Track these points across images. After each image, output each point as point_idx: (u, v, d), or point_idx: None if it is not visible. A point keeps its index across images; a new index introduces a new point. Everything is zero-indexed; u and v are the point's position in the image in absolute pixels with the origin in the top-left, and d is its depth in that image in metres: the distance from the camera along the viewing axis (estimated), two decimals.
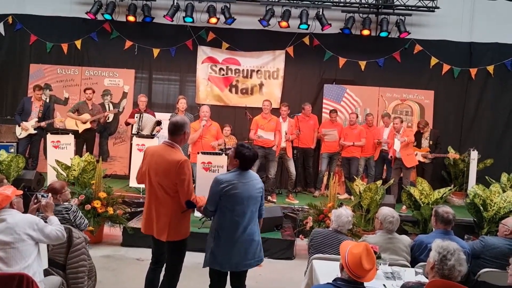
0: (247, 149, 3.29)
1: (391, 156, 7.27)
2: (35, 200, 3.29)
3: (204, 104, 7.50)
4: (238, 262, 3.26)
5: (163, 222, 3.28)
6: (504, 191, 5.98)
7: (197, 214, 5.80)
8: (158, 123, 7.20)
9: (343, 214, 3.77)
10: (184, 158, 3.25)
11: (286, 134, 7.18)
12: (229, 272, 3.37)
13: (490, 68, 8.53)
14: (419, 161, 7.50)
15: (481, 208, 5.78)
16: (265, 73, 8.82)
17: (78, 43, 8.72)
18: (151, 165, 3.32)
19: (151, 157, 3.34)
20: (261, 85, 8.82)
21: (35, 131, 7.28)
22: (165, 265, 3.49)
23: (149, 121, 7.18)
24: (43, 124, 7.28)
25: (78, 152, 7.23)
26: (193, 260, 4.43)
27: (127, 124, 7.66)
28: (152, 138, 6.85)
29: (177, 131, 3.32)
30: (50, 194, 3.35)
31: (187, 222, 3.41)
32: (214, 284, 3.37)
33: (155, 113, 7.58)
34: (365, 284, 2.56)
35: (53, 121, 7.47)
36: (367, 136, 7.73)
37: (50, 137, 6.81)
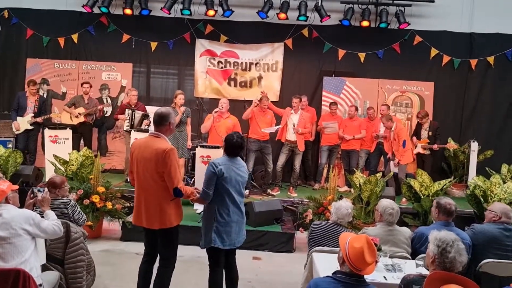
0: (235, 136, 3.54)
1: (389, 157, 7.28)
2: (31, 195, 3.26)
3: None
4: (235, 239, 3.53)
5: (153, 211, 3.34)
6: (504, 182, 5.95)
7: (196, 207, 5.78)
8: (145, 116, 7.15)
9: (343, 207, 3.75)
10: (170, 146, 3.32)
11: (294, 126, 7.11)
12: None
13: (491, 59, 8.47)
14: (418, 152, 7.48)
15: (482, 199, 5.75)
16: (264, 66, 8.75)
17: (75, 37, 8.64)
18: (138, 156, 3.38)
19: (138, 149, 3.41)
20: (260, 78, 8.76)
21: (32, 127, 7.24)
22: (159, 256, 3.51)
23: (138, 116, 7.14)
24: (39, 119, 7.23)
25: (75, 146, 7.18)
26: (192, 254, 4.41)
27: (116, 119, 7.62)
28: (147, 132, 6.81)
29: (162, 122, 3.41)
30: (46, 189, 3.32)
31: (178, 209, 3.46)
32: (215, 261, 3.52)
33: (151, 107, 7.52)
34: (366, 276, 2.53)
35: (49, 116, 7.41)
36: (368, 129, 7.70)
37: (47, 132, 6.79)
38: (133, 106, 7.27)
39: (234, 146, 3.49)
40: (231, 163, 3.49)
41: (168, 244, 3.45)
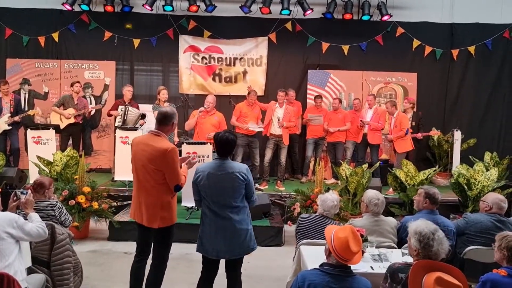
0: (222, 133, 3.32)
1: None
2: (15, 198, 3.20)
3: (210, 94, 7.50)
4: (225, 251, 3.24)
5: (153, 210, 3.31)
6: (487, 170, 6.05)
7: (184, 204, 5.77)
8: (143, 116, 7.09)
9: (329, 199, 3.77)
10: (172, 146, 3.28)
11: (279, 120, 7.14)
12: (225, 260, 3.36)
13: (471, 49, 8.59)
14: None
15: (466, 187, 5.85)
16: (248, 61, 8.74)
17: (55, 36, 8.50)
18: (137, 154, 3.34)
19: (137, 146, 3.37)
20: (244, 72, 8.74)
21: (10, 127, 7.13)
22: (152, 254, 3.48)
23: (134, 114, 7.08)
24: (16, 118, 7.12)
25: (63, 147, 7.13)
26: (181, 251, 4.40)
27: (109, 115, 7.55)
28: (136, 130, 6.76)
29: (165, 121, 3.36)
30: (29, 191, 3.26)
31: (175, 207, 3.45)
32: (204, 270, 3.39)
33: (139, 105, 7.47)
34: (353, 267, 2.56)
35: (27, 114, 7.30)
36: (354, 120, 7.75)
37: (30, 133, 6.68)
38: (126, 102, 7.21)
39: (221, 143, 3.25)
40: (215, 169, 3.22)
41: (165, 242, 3.43)
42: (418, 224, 2.58)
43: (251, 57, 8.73)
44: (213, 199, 3.22)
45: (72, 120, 7.31)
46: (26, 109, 7.85)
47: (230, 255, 3.27)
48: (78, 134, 7.61)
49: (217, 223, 3.22)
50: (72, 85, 7.48)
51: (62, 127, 7.26)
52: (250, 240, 3.31)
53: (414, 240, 2.53)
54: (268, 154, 7.27)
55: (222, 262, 3.39)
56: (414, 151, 7.66)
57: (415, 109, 8.00)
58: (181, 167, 3.41)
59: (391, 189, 6.71)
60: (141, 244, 3.54)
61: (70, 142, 7.47)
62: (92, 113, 8.28)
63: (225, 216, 3.20)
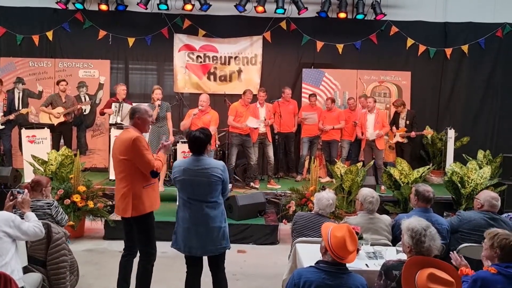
0: (193, 132, 3.36)
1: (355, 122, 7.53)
2: (11, 197, 3.21)
3: (203, 93, 7.44)
4: (197, 247, 3.27)
5: (126, 199, 3.39)
6: (480, 168, 6.12)
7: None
8: None
9: (324, 198, 3.79)
10: (136, 135, 3.38)
11: (265, 119, 7.18)
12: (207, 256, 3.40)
13: (465, 48, 8.65)
14: (397, 141, 7.64)
15: (459, 185, 5.91)
16: (243, 59, 8.74)
17: (49, 35, 8.45)
18: (113, 149, 3.52)
19: (114, 141, 3.55)
20: (239, 71, 8.75)
21: (3, 126, 7.09)
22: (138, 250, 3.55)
23: (128, 110, 7.06)
24: (11, 116, 7.08)
25: (55, 146, 7.09)
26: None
27: (102, 114, 7.53)
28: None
29: (131, 115, 3.56)
30: (26, 190, 3.27)
31: (152, 197, 3.48)
32: (187, 267, 3.43)
33: (134, 104, 7.46)
34: (348, 264, 2.59)
35: (19, 113, 7.26)
36: (349, 119, 7.79)
37: (25, 132, 6.67)
38: (120, 100, 7.20)
39: (190, 141, 3.30)
40: (191, 164, 3.27)
41: (143, 233, 3.47)
42: (411, 221, 2.63)
43: (246, 56, 8.73)
44: (189, 194, 3.28)
45: (62, 119, 7.28)
46: (21, 108, 7.81)
47: (202, 252, 3.31)
48: (69, 132, 7.59)
49: (190, 219, 3.26)
50: (58, 83, 7.45)
51: (55, 126, 7.23)
52: (223, 238, 3.32)
53: (406, 236, 2.57)
54: (256, 153, 7.30)
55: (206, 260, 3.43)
56: (409, 149, 7.73)
57: (408, 108, 8.05)
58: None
59: (383, 187, 6.77)
60: (126, 238, 3.61)
61: (62, 141, 7.45)
62: (86, 112, 8.27)
63: (199, 211, 3.25)
